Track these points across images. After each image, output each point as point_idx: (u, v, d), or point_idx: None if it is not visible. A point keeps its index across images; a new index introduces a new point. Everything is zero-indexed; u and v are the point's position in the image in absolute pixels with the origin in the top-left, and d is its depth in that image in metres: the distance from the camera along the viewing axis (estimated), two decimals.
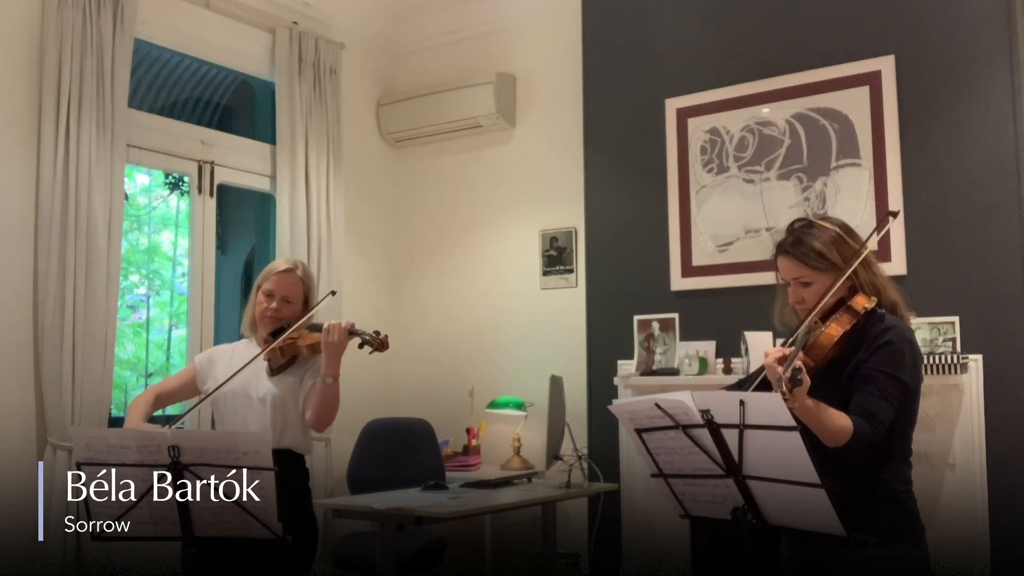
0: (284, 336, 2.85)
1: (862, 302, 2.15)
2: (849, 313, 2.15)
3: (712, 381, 4.25)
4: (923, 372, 2.21)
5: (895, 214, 2.64)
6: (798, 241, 2.22)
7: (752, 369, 3.74)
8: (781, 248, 2.26)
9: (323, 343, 2.75)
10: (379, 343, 2.79)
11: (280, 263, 2.96)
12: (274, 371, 2.87)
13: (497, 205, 5.43)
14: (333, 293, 3.19)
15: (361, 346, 2.82)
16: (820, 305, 2.16)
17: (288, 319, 2.90)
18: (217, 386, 2.83)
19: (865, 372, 2.10)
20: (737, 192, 4.44)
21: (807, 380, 1.94)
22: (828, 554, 2.10)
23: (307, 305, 2.96)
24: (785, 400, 1.85)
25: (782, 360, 1.99)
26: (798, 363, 1.94)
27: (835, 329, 2.13)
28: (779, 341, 4.04)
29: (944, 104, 3.97)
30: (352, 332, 2.79)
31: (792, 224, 2.30)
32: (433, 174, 5.72)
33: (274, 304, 2.88)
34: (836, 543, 1.97)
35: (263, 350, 2.84)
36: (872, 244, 2.33)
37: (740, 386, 2.41)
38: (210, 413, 4.49)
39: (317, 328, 2.85)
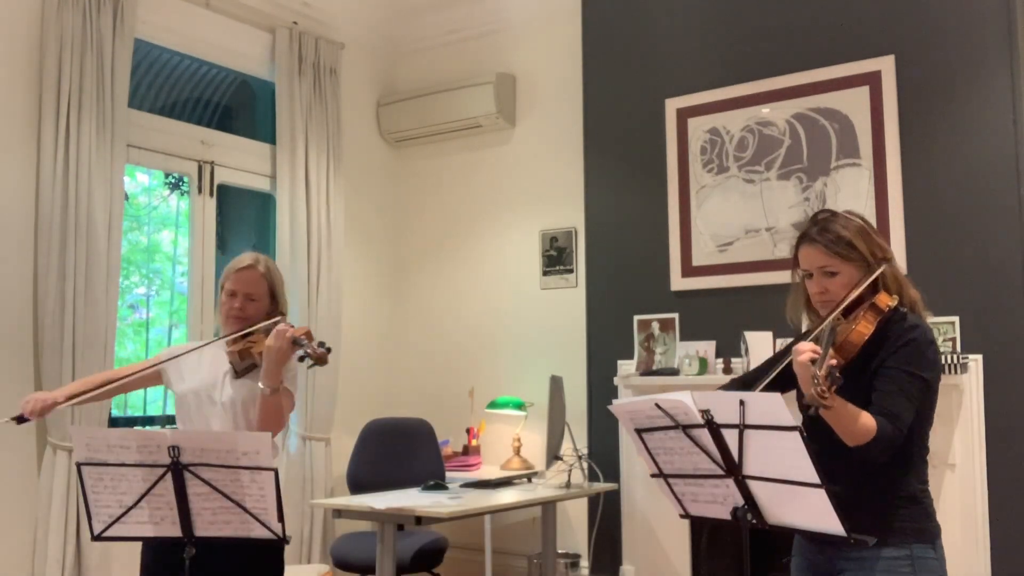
0: (240, 338, 2.66)
1: (886, 300, 2.09)
2: (874, 311, 2.08)
3: (712, 381, 4.25)
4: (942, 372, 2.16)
5: None
6: (824, 229, 2.15)
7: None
8: (806, 237, 2.18)
9: (265, 347, 2.54)
10: (318, 356, 2.53)
11: (242, 259, 2.75)
12: (238, 374, 2.70)
13: (497, 205, 5.43)
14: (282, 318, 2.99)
15: (301, 359, 2.57)
16: (846, 300, 2.09)
17: (254, 317, 2.71)
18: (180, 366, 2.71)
19: (887, 370, 2.05)
20: (737, 192, 4.44)
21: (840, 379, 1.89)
22: (843, 555, 2.07)
23: (274, 301, 2.76)
24: (823, 399, 1.80)
25: (814, 359, 1.91)
26: (832, 361, 1.88)
27: (865, 327, 2.06)
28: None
29: (944, 104, 3.97)
30: (296, 342, 2.54)
31: (816, 215, 2.22)
32: (433, 174, 5.73)
33: (237, 303, 2.70)
34: (850, 544, 1.93)
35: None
36: None
37: (743, 383, 2.36)
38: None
39: None
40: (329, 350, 2.58)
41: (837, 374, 1.84)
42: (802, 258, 2.19)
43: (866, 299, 2.12)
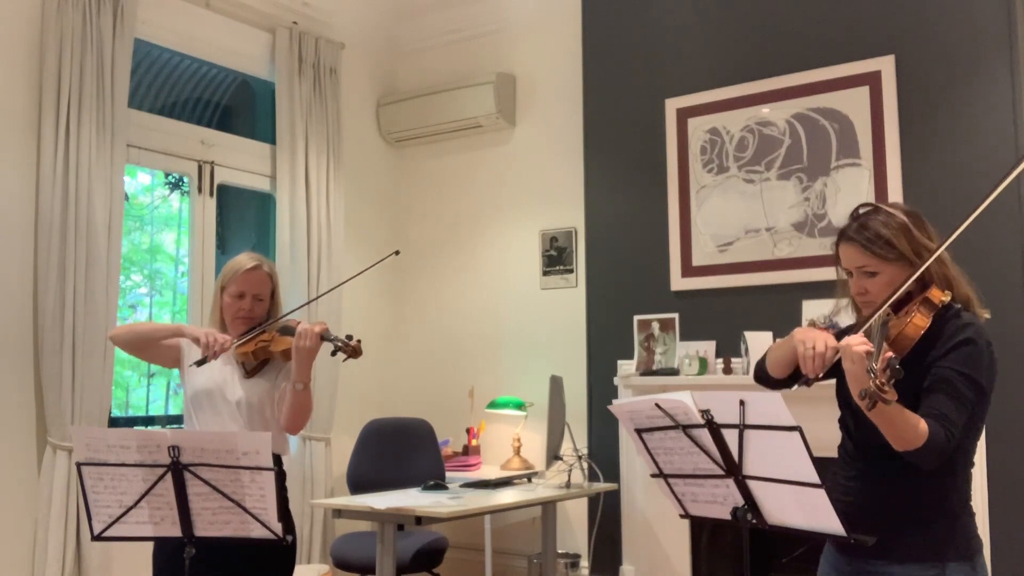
0: (253, 338, 2.72)
1: (938, 295, 1.98)
2: (927, 306, 1.96)
3: (712, 381, 4.25)
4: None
5: None
6: (863, 227, 2.04)
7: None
8: (844, 235, 2.08)
9: (294, 348, 2.63)
10: (351, 349, 2.64)
11: (244, 260, 2.79)
12: (248, 373, 2.76)
13: (497, 205, 5.44)
14: (397, 252, 3.41)
15: (333, 353, 2.68)
16: (893, 298, 1.97)
17: (260, 317, 2.79)
18: (193, 363, 2.71)
19: (940, 371, 1.93)
20: (737, 192, 4.44)
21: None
22: (872, 568, 2.01)
23: (274, 300, 2.83)
24: (883, 392, 1.68)
25: (869, 352, 1.78)
26: (889, 354, 1.76)
27: (922, 320, 1.93)
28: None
29: (944, 104, 3.97)
30: (324, 337, 2.65)
31: (856, 209, 2.10)
32: (433, 174, 5.73)
33: (246, 304, 2.75)
34: (881, 556, 1.92)
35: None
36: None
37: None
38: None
39: (289, 331, 2.72)
40: (359, 341, 2.68)
41: (897, 366, 1.72)
42: (842, 257, 2.09)
43: (915, 295, 2.01)
